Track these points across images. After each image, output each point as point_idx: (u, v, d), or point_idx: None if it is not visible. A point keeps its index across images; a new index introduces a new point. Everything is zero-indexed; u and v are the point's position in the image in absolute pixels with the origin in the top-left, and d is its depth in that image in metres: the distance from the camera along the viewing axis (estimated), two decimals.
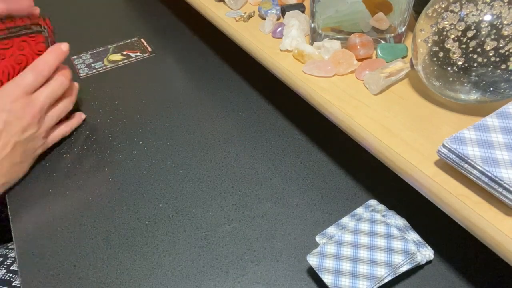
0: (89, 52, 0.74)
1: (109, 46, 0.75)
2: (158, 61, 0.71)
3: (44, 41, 0.50)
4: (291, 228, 0.44)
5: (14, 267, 0.49)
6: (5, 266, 0.49)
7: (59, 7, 0.90)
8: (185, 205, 0.47)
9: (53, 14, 0.87)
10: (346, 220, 0.42)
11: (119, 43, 0.76)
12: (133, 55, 0.73)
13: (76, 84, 0.56)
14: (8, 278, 0.48)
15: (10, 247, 0.54)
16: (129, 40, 0.77)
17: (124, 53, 0.73)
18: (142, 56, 0.72)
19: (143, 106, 0.61)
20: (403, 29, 0.46)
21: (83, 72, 0.69)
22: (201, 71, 0.68)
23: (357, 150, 0.50)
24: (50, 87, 0.49)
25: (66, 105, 0.53)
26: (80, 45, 0.76)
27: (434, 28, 0.36)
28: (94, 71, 0.69)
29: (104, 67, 0.70)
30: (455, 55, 0.35)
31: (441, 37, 0.35)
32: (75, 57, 0.73)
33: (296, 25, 0.50)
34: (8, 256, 0.51)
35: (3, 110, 0.46)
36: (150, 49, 0.74)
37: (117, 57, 0.72)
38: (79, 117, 0.58)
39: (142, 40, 0.77)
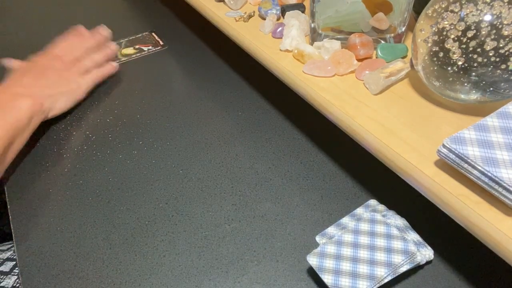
0: None
1: (122, 41, 0.77)
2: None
3: None
4: (291, 228, 0.44)
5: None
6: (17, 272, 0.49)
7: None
8: (185, 205, 0.47)
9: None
10: (346, 220, 0.42)
11: (131, 37, 0.78)
12: (145, 48, 0.74)
13: (112, 48, 0.67)
14: (18, 285, 0.48)
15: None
16: (140, 34, 0.78)
17: (137, 47, 0.75)
18: (154, 49, 0.74)
19: (143, 106, 0.61)
20: (403, 29, 0.46)
21: None
22: (202, 71, 0.68)
23: (357, 150, 0.50)
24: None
25: (96, 57, 0.64)
26: None
27: (434, 28, 0.36)
28: None
29: (117, 61, 0.71)
30: (455, 55, 0.35)
31: (441, 37, 0.35)
32: None
33: (296, 25, 0.50)
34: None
35: None
36: (161, 43, 0.75)
37: (130, 50, 0.74)
38: (110, 66, 0.66)
39: (153, 34, 0.78)
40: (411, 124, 0.39)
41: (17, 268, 0.49)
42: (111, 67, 0.66)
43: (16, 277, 0.49)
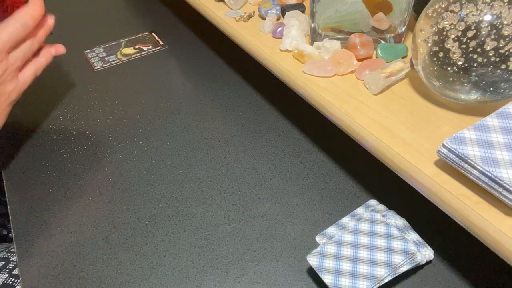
0: (102, 46, 0.75)
1: (121, 40, 0.77)
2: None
3: None
4: (291, 228, 0.44)
5: (16, 271, 0.49)
6: (7, 270, 0.49)
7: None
8: (185, 205, 0.47)
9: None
10: (346, 220, 0.42)
11: (131, 37, 0.78)
12: (145, 48, 0.74)
13: (50, 21, 0.51)
14: (11, 282, 0.48)
15: (12, 250, 0.54)
16: (140, 34, 0.78)
17: (137, 46, 0.75)
18: (154, 49, 0.74)
19: (143, 106, 0.61)
20: (403, 29, 0.46)
21: (98, 65, 0.70)
22: (201, 71, 0.68)
23: (357, 150, 0.50)
24: (10, 27, 0.45)
25: (30, 45, 0.48)
26: (93, 39, 0.77)
27: (434, 28, 0.36)
28: (108, 64, 0.71)
29: (117, 60, 0.71)
30: (455, 55, 0.35)
31: (441, 37, 0.35)
32: (88, 51, 0.74)
33: (296, 25, 0.50)
34: (11, 259, 0.51)
35: None
36: (161, 43, 0.76)
37: (129, 50, 0.74)
38: (48, 53, 0.52)
39: (153, 34, 0.78)
40: (411, 124, 0.39)
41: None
42: (50, 55, 0.52)
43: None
